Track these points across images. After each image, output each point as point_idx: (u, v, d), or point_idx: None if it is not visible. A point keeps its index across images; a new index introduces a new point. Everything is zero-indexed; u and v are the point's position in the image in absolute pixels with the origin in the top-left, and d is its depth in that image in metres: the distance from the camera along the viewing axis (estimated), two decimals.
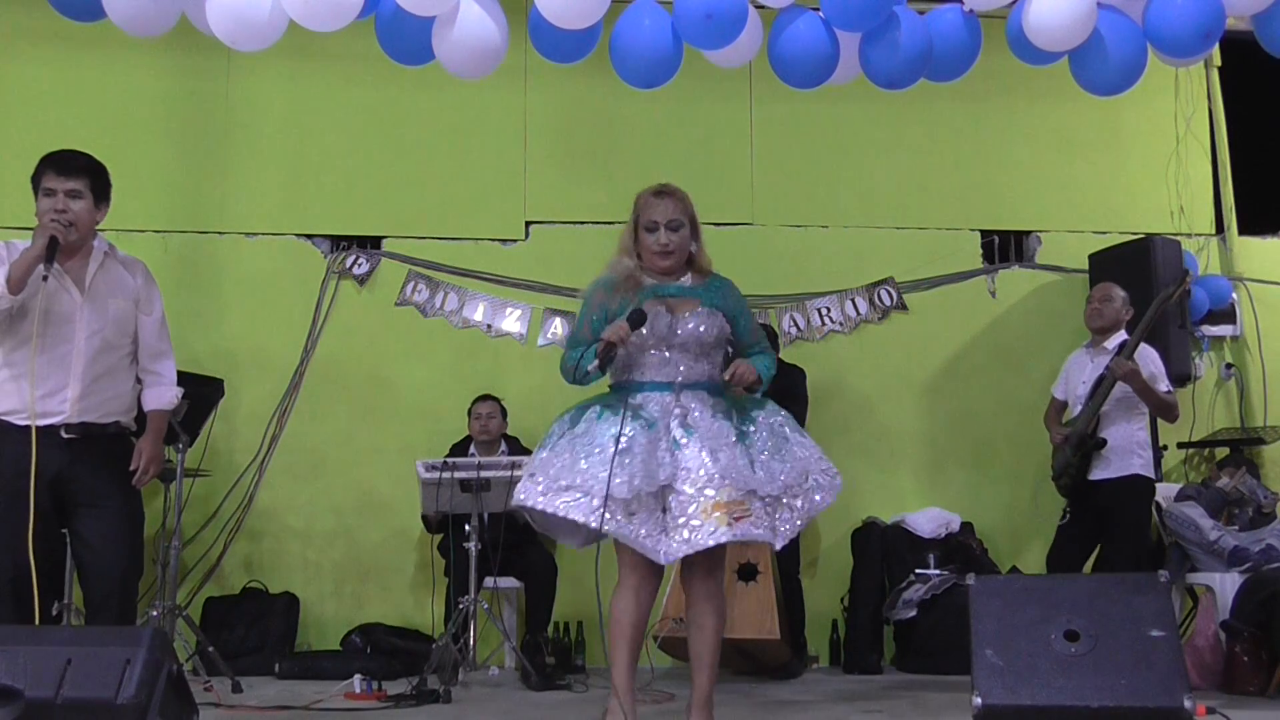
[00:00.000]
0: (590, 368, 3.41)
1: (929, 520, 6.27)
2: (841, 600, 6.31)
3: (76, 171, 3.68)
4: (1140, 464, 5.25)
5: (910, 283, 6.79)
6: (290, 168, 6.67)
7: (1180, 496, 5.79)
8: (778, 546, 3.46)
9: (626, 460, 3.31)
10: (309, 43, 4.51)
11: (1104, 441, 5.21)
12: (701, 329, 3.53)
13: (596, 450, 3.35)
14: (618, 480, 3.27)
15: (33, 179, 3.71)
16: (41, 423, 3.52)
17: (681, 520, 3.31)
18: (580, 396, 3.62)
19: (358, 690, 4.76)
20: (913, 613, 5.88)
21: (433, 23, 4.23)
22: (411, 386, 6.52)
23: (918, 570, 6.04)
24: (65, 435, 3.58)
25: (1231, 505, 5.66)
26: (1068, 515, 5.41)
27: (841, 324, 6.75)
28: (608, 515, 3.27)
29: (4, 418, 3.57)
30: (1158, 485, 5.54)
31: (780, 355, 6.08)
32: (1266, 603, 4.97)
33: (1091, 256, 6.66)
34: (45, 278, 3.49)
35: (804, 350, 6.60)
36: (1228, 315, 6.85)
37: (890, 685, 5.46)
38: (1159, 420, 6.00)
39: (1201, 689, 4.81)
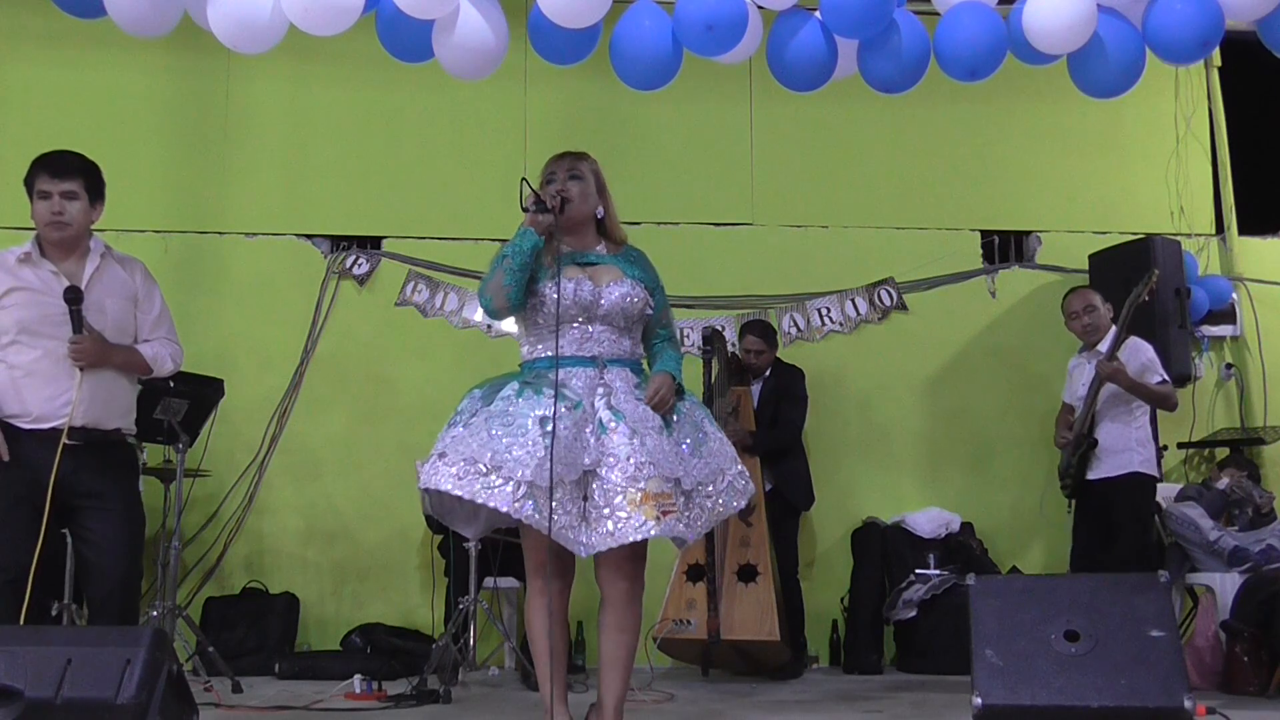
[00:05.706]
0: (528, 241, 3.23)
1: (929, 520, 6.27)
2: (841, 600, 6.30)
3: (71, 172, 3.62)
4: (1140, 460, 5.23)
5: (910, 283, 6.78)
6: (290, 168, 6.67)
7: (1180, 497, 5.79)
8: (690, 542, 3.27)
9: (549, 444, 3.03)
10: (309, 43, 4.50)
11: (1095, 442, 5.22)
12: (626, 299, 3.29)
13: (518, 431, 3.06)
14: (545, 466, 3.00)
15: (26, 182, 3.65)
16: (44, 426, 3.52)
17: (607, 511, 3.07)
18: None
19: (358, 690, 4.76)
20: (913, 613, 5.88)
21: (433, 22, 4.24)
22: (411, 386, 6.51)
23: (918, 570, 6.04)
24: (68, 441, 3.54)
25: (1232, 506, 5.66)
26: (1072, 513, 5.41)
27: (841, 324, 6.74)
28: (529, 504, 3.00)
29: (10, 421, 3.55)
30: (1158, 485, 5.52)
31: (780, 355, 6.10)
32: (1266, 603, 4.98)
33: (1091, 256, 6.65)
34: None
35: (804, 350, 6.60)
36: (1228, 315, 6.85)
37: (890, 685, 5.46)
38: (1159, 417, 5.98)
39: (1201, 689, 4.81)
